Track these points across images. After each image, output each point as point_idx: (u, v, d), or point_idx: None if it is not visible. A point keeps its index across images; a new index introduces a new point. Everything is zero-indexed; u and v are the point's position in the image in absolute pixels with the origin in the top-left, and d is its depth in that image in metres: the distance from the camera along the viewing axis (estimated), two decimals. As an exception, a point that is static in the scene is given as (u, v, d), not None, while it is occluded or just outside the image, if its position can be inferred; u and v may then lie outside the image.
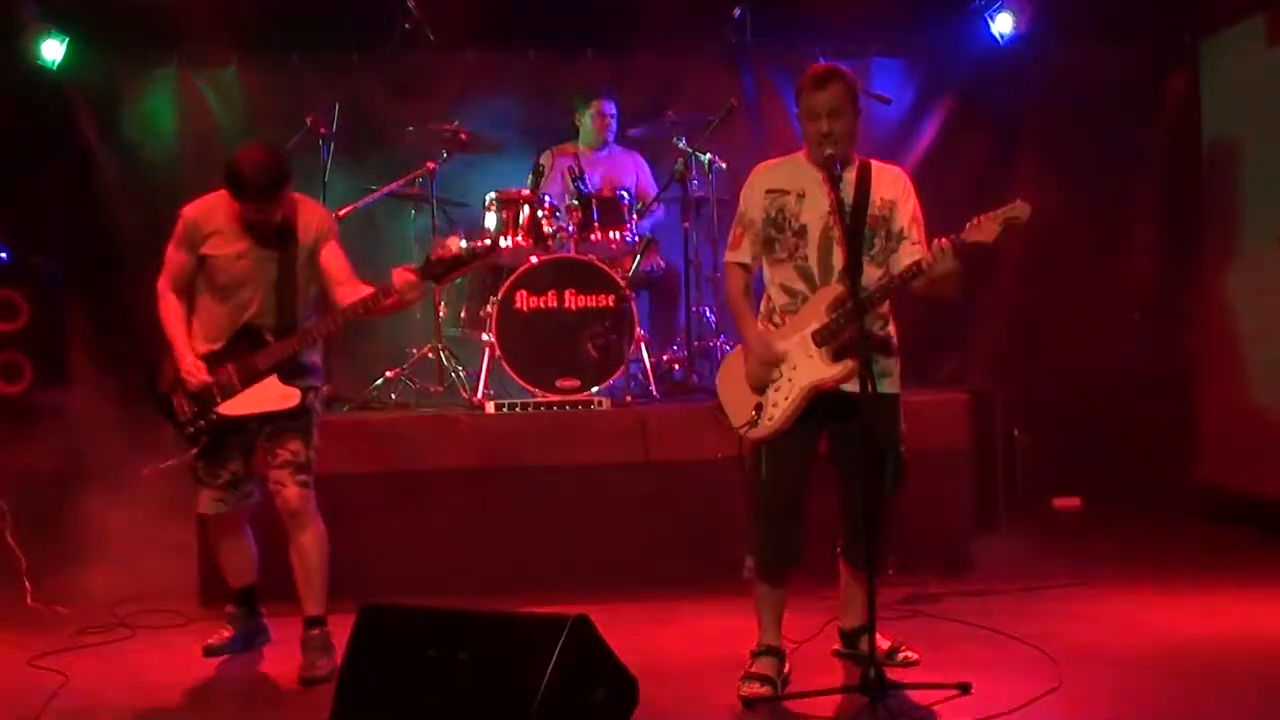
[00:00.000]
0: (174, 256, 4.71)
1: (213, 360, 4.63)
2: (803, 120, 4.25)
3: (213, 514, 4.84)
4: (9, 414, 6.48)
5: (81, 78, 7.22)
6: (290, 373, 4.65)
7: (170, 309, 4.70)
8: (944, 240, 4.04)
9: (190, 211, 4.69)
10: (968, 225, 4.01)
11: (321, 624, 4.66)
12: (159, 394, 4.72)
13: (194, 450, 4.67)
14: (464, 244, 4.66)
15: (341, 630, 3.99)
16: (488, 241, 4.84)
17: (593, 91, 7.09)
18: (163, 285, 4.72)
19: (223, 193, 4.60)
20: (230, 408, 4.62)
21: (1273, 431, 6.72)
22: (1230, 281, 7.20)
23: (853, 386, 4.04)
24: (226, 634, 4.92)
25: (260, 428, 4.68)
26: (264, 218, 4.57)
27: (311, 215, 4.73)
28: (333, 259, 4.70)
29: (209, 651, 4.85)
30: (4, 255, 6.76)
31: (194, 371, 4.59)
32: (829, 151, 4.14)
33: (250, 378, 4.61)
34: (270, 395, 4.61)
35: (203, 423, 4.64)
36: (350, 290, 4.63)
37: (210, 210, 4.66)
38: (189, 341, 4.67)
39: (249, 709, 4.42)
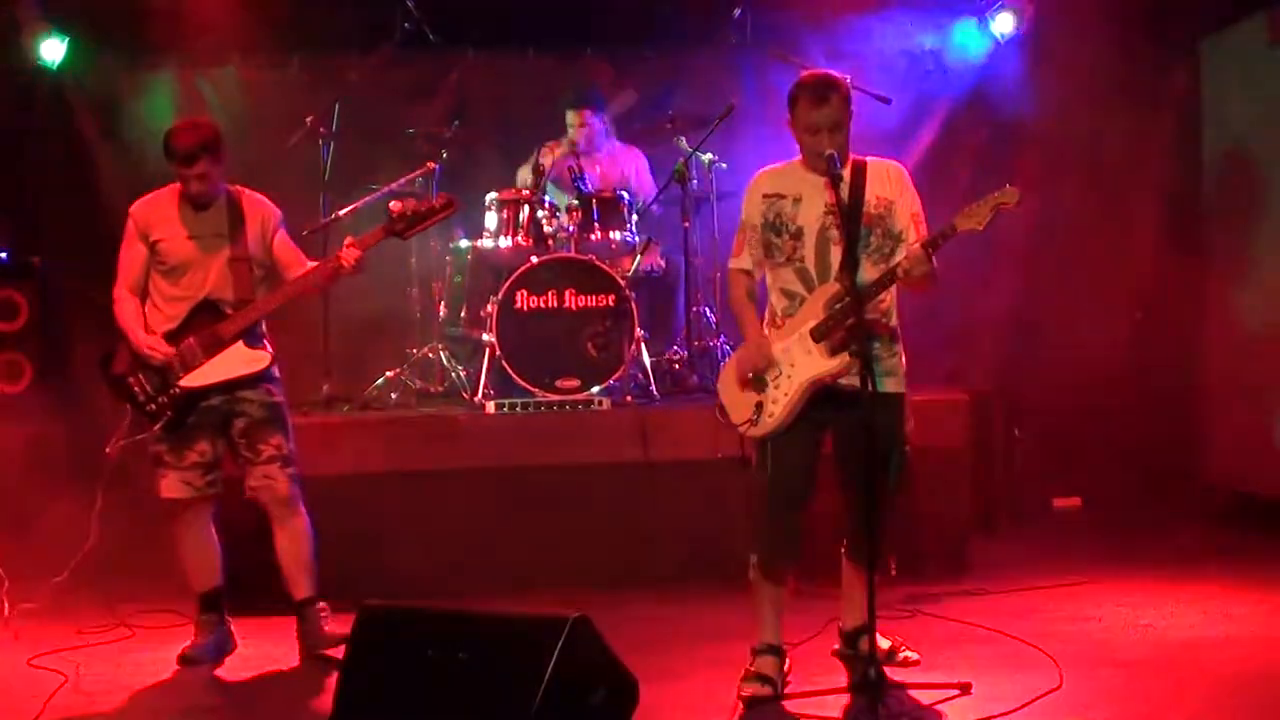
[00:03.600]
0: (126, 255, 4.82)
1: (172, 337, 4.69)
2: (799, 131, 4.22)
3: (179, 498, 4.76)
4: (10, 414, 6.48)
5: (81, 78, 7.22)
6: (252, 340, 4.74)
7: (125, 307, 4.79)
8: (916, 246, 4.08)
9: (136, 207, 4.85)
10: (959, 213, 4.03)
11: (317, 602, 4.72)
12: (113, 376, 4.75)
13: (157, 426, 4.66)
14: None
15: (341, 631, 3.99)
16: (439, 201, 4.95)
17: (567, 101, 6.97)
18: (118, 291, 4.81)
19: (170, 186, 4.80)
20: (194, 379, 4.65)
21: (1273, 431, 6.72)
22: (1231, 280, 7.20)
23: (855, 382, 4.03)
24: (201, 641, 4.82)
25: (230, 409, 4.71)
26: (202, 187, 4.70)
27: (258, 205, 4.89)
28: (284, 248, 4.89)
29: (186, 660, 4.73)
30: (4, 255, 6.76)
31: (153, 346, 4.65)
32: (829, 151, 4.14)
33: (213, 347, 4.66)
34: (236, 361, 4.68)
35: (164, 398, 4.66)
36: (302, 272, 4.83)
37: (156, 201, 4.84)
38: (144, 325, 4.74)
39: (249, 709, 4.41)
